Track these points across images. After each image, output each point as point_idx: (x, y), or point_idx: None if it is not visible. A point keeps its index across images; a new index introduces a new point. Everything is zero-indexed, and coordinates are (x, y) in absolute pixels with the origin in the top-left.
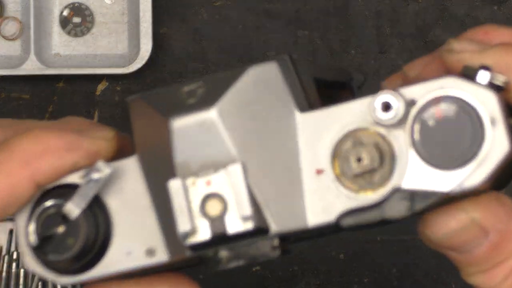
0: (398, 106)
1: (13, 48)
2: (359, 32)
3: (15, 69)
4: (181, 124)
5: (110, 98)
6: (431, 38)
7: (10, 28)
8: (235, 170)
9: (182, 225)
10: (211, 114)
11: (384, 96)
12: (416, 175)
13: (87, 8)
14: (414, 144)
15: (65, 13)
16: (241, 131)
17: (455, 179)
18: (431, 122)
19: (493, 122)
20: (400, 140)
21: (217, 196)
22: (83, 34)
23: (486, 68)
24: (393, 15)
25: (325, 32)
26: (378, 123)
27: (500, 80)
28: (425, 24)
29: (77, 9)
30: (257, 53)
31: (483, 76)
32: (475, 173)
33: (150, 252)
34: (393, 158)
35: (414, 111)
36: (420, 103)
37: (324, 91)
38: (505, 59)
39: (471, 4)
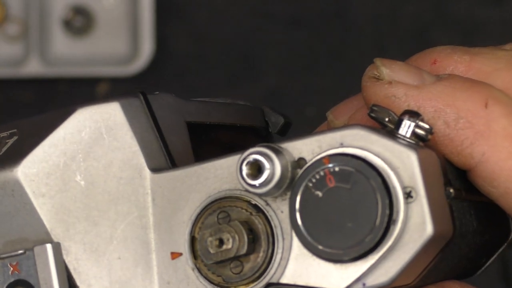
0: (271, 169)
1: (15, 49)
2: (357, 34)
3: (16, 70)
4: None
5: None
6: (430, 39)
7: (12, 29)
8: (43, 251)
9: None
10: (15, 174)
11: (252, 154)
12: (301, 267)
13: (89, 9)
14: (295, 223)
15: (67, 14)
16: (60, 197)
17: (352, 275)
18: (319, 193)
19: (409, 194)
20: (280, 217)
21: (24, 285)
22: (85, 35)
23: (412, 114)
24: (391, 17)
25: (324, 34)
26: (247, 190)
27: (425, 130)
28: (423, 25)
29: (79, 11)
30: (258, 53)
31: (405, 127)
32: (382, 267)
33: None
34: (269, 241)
35: (298, 176)
36: (307, 165)
37: (228, 138)
38: (453, 101)
39: (470, 5)
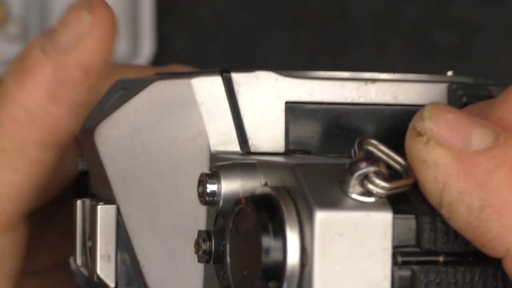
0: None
1: (15, 50)
2: (358, 34)
3: None
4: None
5: None
6: (430, 40)
7: (13, 29)
8: (107, 210)
9: None
10: (92, 133)
11: None
12: None
13: None
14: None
15: None
16: (126, 164)
17: None
18: (238, 232)
19: (302, 258)
20: None
21: None
22: None
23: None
24: (391, 17)
25: (324, 33)
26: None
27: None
28: (423, 25)
29: None
30: (258, 53)
31: (352, 180)
32: None
33: None
34: None
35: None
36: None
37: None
38: (487, 181)
39: (470, 5)
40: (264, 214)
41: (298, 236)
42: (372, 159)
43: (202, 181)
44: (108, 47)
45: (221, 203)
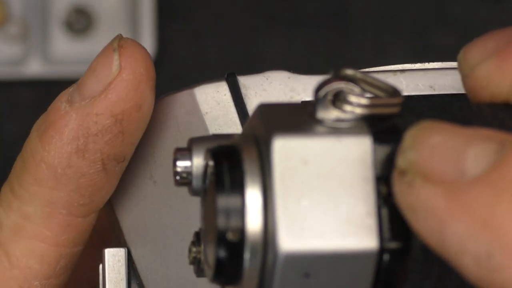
0: None
1: (15, 50)
2: (357, 34)
3: (16, 70)
4: None
5: None
6: (430, 40)
7: (13, 29)
8: (116, 254)
9: None
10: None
11: None
12: None
13: (90, 10)
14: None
15: (68, 15)
16: (134, 198)
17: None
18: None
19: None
20: None
21: None
22: (86, 36)
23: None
24: (391, 17)
25: (324, 34)
26: None
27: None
28: (424, 25)
29: (80, 11)
30: (258, 53)
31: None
32: None
33: None
34: None
35: None
36: None
37: None
38: (493, 217)
39: (470, 5)
40: (222, 165)
41: (260, 189)
42: (344, 76)
43: (174, 158)
44: (141, 91)
45: (194, 181)
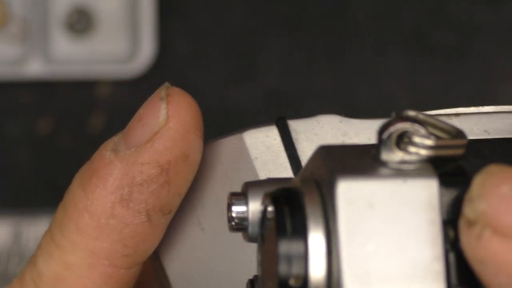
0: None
1: (16, 50)
2: (357, 34)
3: (17, 71)
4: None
5: (113, 101)
6: (430, 40)
7: (14, 30)
8: None
9: None
10: None
11: None
12: None
13: (90, 10)
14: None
15: (69, 15)
16: (183, 248)
17: None
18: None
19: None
20: None
21: None
22: (86, 36)
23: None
24: (391, 17)
25: (324, 34)
26: None
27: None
28: (424, 25)
29: (80, 12)
30: (258, 53)
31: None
32: None
33: None
34: None
35: None
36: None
37: None
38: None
39: (470, 6)
40: (283, 209)
41: (324, 233)
42: (408, 117)
43: (229, 203)
44: (188, 140)
45: (249, 227)
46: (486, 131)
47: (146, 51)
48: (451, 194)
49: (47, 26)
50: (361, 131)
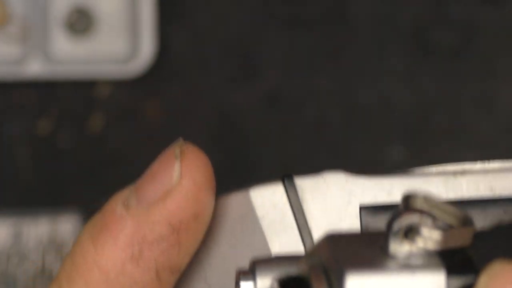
0: None
1: (16, 50)
2: (357, 34)
3: (17, 71)
4: None
5: (113, 101)
6: (430, 40)
7: (14, 30)
8: None
9: None
10: None
11: None
12: None
13: (90, 10)
14: None
15: (68, 15)
16: None
17: None
18: None
19: None
20: None
21: None
22: (86, 37)
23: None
24: (391, 17)
25: (324, 34)
26: None
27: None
28: (424, 25)
29: (80, 11)
30: (258, 53)
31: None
32: None
33: None
34: None
35: None
36: None
37: None
38: None
39: (470, 5)
40: None
41: None
42: (416, 208)
43: (237, 281)
44: (200, 200)
45: None
46: (491, 188)
47: (146, 51)
48: (458, 284)
49: (47, 26)
50: (367, 190)
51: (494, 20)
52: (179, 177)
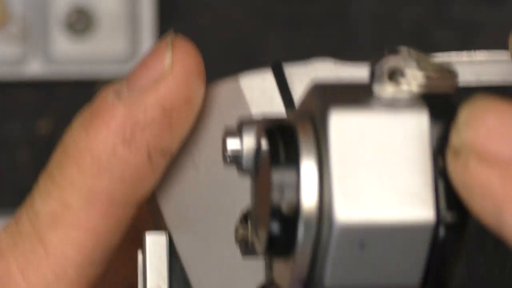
0: None
1: (16, 50)
2: (357, 34)
3: (17, 71)
4: None
5: None
6: (430, 40)
7: (13, 30)
8: (157, 240)
9: None
10: None
11: None
12: None
13: (90, 10)
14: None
15: (68, 15)
16: (177, 185)
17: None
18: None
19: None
20: None
21: None
22: (86, 36)
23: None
24: (391, 17)
25: (324, 34)
26: None
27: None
28: (423, 25)
29: (80, 11)
30: (258, 53)
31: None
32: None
33: None
34: None
35: None
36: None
37: None
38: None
39: (470, 5)
40: (277, 140)
41: (316, 162)
42: (402, 52)
43: (224, 138)
44: (191, 85)
45: (244, 161)
46: (479, 79)
47: (145, 50)
48: (441, 126)
49: (47, 26)
50: (357, 75)
51: (494, 20)
52: (171, 64)
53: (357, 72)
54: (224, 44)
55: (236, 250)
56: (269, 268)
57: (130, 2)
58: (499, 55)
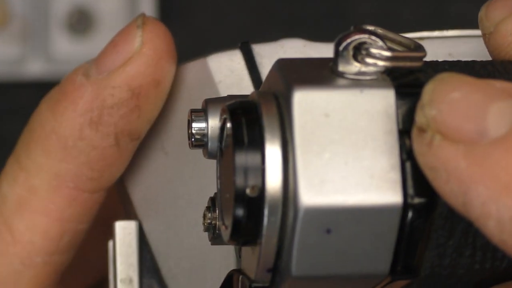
0: None
1: (16, 50)
2: None
3: (17, 71)
4: None
5: None
6: None
7: (14, 30)
8: (126, 228)
9: None
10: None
11: None
12: None
13: (90, 10)
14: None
15: (69, 15)
16: (146, 170)
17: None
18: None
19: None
20: None
21: None
22: (86, 36)
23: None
24: (391, 17)
25: (324, 34)
26: None
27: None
28: (423, 25)
29: (80, 11)
30: None
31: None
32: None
33: None
34: None
35: None
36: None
37: None
38: None
39: (470, 5)
40: (240, 121)
41: (280, 144)
42: (367, 30)
43: (189, 120)
44: (160, 67)
45: (209, 143)
46: (450, 54)
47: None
48: (407, 104)
49: (47, 26)
50: (325, 54)
51: None
52: (140, 45)
53: (327, 51)
54: (224, 44)
55: (206, 237)
56: (239, 256)
57: (130, 2)
58: (470, 31)
